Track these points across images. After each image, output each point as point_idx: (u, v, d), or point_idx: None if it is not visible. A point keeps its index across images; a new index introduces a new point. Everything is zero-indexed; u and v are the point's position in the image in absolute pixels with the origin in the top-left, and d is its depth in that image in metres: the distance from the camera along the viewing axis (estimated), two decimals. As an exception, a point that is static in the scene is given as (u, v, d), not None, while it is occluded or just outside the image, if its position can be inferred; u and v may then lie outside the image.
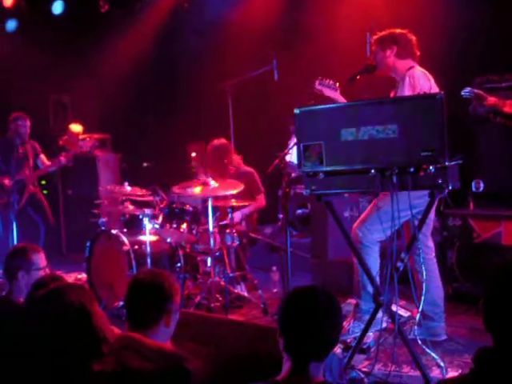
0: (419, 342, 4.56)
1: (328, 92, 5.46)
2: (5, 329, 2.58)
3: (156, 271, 3.67)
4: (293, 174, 7.05)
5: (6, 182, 8.27)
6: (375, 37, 5.48)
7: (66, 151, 8.66)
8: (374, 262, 5.09)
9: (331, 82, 5.49)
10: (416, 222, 4.59)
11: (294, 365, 2.83)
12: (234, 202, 6.84)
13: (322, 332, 2.84)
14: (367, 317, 5.08)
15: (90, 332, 2.80)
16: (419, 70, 5.21)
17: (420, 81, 5.08)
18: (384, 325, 4.68)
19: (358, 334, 5.00)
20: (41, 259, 4.62)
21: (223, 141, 7.69)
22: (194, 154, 10.40)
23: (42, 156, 8.83)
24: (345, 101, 5.41)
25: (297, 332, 2.86)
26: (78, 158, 9.48)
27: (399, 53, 5.32)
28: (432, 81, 5.20)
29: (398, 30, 5.39)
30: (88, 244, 7.01)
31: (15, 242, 7.91)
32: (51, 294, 2.89)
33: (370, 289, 5.05)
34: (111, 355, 2.93)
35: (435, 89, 5.12)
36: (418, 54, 5.37)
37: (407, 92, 5.07)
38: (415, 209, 4.26)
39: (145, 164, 11.70)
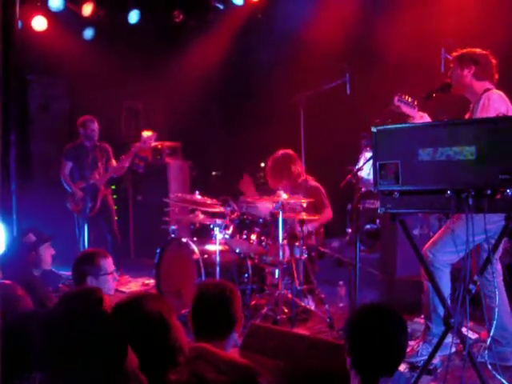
0: (489, 366, 4.50)
1: (406, 109, 5.42)
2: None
3: (219, 282, 3.74)
4: (363, 189, 7.05)
5: (78, 189, 8.45)
6: (455, 53, 5.42)
7: (142, 159, 8.78)
8: (445, 285, 5.05)
9: (410, 98, 5.45)
10: (486, 246, 4.57)
11: (363, 381, 2.88)
12: (304, 216, 6.83)
13: (390, 349, 2.92)
14: (436, 340, 5.05)
15: (167, 342, 2.85)
16: (496, 93, 5.13)
17: (495, 103, 5.00)
18: (449, 351, 4.63)
19: (426, 357, 4.98)
20: (108, 264, 4.72)
21: (288, 150, 7.72)
22: (263, 164, 10.46)
23: (113, 162, 8.92)
24: (422, 119, 5.37)
25: (366, 350, 2.93)
26: (150, 165, 9.65)
27: (477, 73, 5.25)
28: (509, 103, 5.13)
29: (479, 50, 5.32)
30: (158, 250, 7.12)
31: (86, 247, 8.07)
32: (131, 303, 2.96)
33: (440, 311, 5.01)
34: (186, 365, 2.98)
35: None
36: (497, 77, 5.30)
37: (480, 113, 5.01)
38: (488, 233, 4.21)
39: (214, 173, 11.81)
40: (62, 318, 2.61)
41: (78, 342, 2.41)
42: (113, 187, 9.79)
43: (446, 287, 5.06)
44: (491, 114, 4.94)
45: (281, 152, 7.75)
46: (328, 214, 7.58)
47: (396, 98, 5.48)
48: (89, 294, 3.46)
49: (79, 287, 4.16)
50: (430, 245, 5.21)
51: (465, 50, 5.37)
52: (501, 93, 5.17)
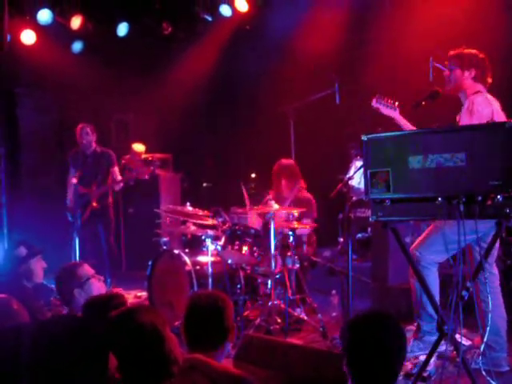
0: (483, 372, 4.50)
1: (385, 110, 5.43)
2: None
3: (211, 293, 3.74)
4: (354, 198, 7.06)
5: (69, 199, 8.44)
6: (455, 52, 5.35)
7: (129, 170, 8.76)
8: (432, 283, 5.06)
9: (390, 100, 5.45)
10: (477, 249, 4.60)
11: None
12: (295, 225, 6.83)
13: (389, 359, 2.90)
14: (428, 338, 5.07)
15: (161, 354, 2.84)
16: (481, 96, 5.11)
17: (479, 106, 4.99)
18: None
19: (418, 353, 4.99)
20: (86, 270, 4.70)
21: (292, 161, 7.75)
22: (253, 175, 10.47)
23: (116, 169, 8.85)
24: (405, 121, 5.38)
25: (364, 360, 2.90)
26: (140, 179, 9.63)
27: (476, 77, 5.24)
28: (495, 106, 5.11)
29: (481, 54, 5.30)
30: (150, 263, 7.10)
31: (77, 257, 8.04)
32: (125, 315, 2.95)
33: (430, 309, 5.03)
34: (180, 376, 2.98)
35: (498, 114, 5.05)
36: (490, 81, 5.30)
37: (463, 118, 5.02)
38: (471, 235, 4.22)
39: (205, 184, 11.81)
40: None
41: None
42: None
43: (434, 286, 5.09)
44: (474, 117, 4.94)
45: (286, 161, 7.75)
46: (311, 223, 7.53)
47: (374, 100, 5.50)
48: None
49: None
50: (417, 244, 5.23)
51: (465, 51, 5.32)
52: (487, 95, 5.15)
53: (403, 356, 3.01)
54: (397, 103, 5.47)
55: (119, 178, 8.75)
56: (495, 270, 5.30)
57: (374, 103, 5.53)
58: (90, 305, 3.76)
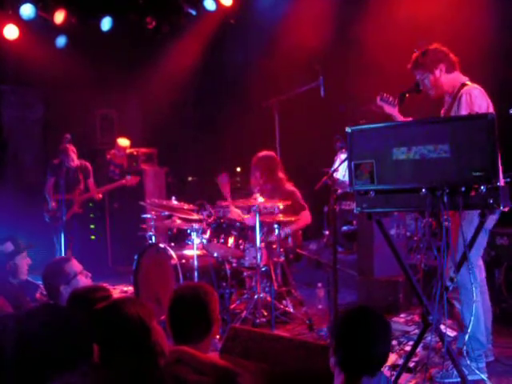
0: (468, 361, 4.54)
1: (388, 108, 5.40)
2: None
3: (195, 285, 3.74)
4: (339, 191, 7.05)
5: (52, 205, 8.56)
6: (413, 64, 5.27)
7: (117, 166, 8.84)
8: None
9: (391, 98, 5.44)
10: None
11: (347, 379, 2.93)
12: (281, 217, 6.83)
13: (376, 348, 3.00)
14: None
15: (147, 345, 2.84)
16: (476, 88, 5.04)
17: (478, 100, 4.94)
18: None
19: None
20: (74, 266, 4.67)
21: (271, 152, 7.71)
22: (239, 169, 10.48)
23: (91, 180, 9.11)
24: (402, 118, 5.36)
25: (354, 349, 2.99)
26: (125, 172, 9.65)
27: (448, 68, 5.17)
28: (488, 98, 5.04)
29: (433, 46, 5.21)
30: (136, 257, 7.09)
31: (63, 252, 8.06)
32: (111, 307, 2.94)
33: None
34: (166, 368, 2.98)
35: (491, 107, 4.98)
36: (456, 59, 5.20)
37: (464, 111, 4.92)
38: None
39: (190, 178, 11.80)
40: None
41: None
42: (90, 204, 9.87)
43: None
44: (475, 110, 4.86)
45: (269, 153, 7.70)
46: (307, 216, 7.52)
47: (378, 98, 5.48)
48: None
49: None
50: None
51: (418, 56, 5.23)
52: (479, 88, 5.08)
53: (388, 350, 3.09)
54: (396, 101, 5.45)
55: (94, 188, 9.13)
56: (480, 262, 5.30)
57: (378, 101, 5.49)
58: (74, 297, 3.74)
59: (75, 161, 8.84)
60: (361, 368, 2.98)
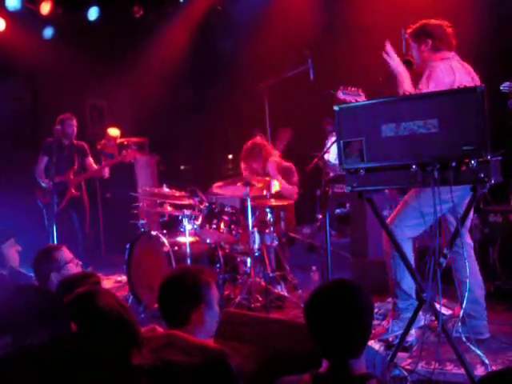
0: (464, 339, 4.51)
1: (351, 99, 5.38)
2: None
3: (186, 268, 3.71)
4: (331, 174, 7.04)
5: (47, 183, 8.36)
6: (409, 31, 5.33)
7: (108, 156, 8.73)
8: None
9: (353, 88, 5.42)
10: (453, 219, 4.61)
11: (331, 365, 2.77)
12: (273, 202, 6.81)
13: (348, 328, 2.73)
14: (406, 315, 5.04)
15: (125, 326, 2.79)
16: (445, 63, 4.98)
17: (440, 73, 4.87)
18: (423, 322, 4.62)
19: (398, 333, 4.98)
20: (65, 254, 4.65)
21: (257, 139, 7.68)
22: (230, 156, 10.45)
23: (90, 159, 8.85)
24: None
25: (322, 331, 2.76)
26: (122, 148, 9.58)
27: (435, 46, 5.13)
28: (461, 74, 4.96)
29: (433, 22, 5.21)
30: (128, 246, 7.06)
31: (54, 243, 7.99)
32: (82, 298, 2.89)
33: (405, 287, 5.02)
34: (154, 352, 2.93)
35: (464, 81, 4.85)
36: (455, 43, 5.18)
37: (421, 85, 4.88)
38: (446, 204, 4.21)
39: (182, 167, 11.78)
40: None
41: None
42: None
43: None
44: (431, 84, 4.82)
45: (256, 141, 7.68)
46: (294, 190, 7.51)
47: (340, 92, 5.46)
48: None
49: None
50: (392, 218, 5.13)
51: (418, 25, 5.27)
52: (452, 63, 5.02)
53: (366, 323, 2.82)
54: (360, 90, 5.45)
55: (94, 167, 8.77)
56: (470, 240, 5.29)
57: (340, 95, 5.47)
58: (63, 283, 3.71)
59: (75, 131, 8.65)
60: (338, 351, 2.73)
